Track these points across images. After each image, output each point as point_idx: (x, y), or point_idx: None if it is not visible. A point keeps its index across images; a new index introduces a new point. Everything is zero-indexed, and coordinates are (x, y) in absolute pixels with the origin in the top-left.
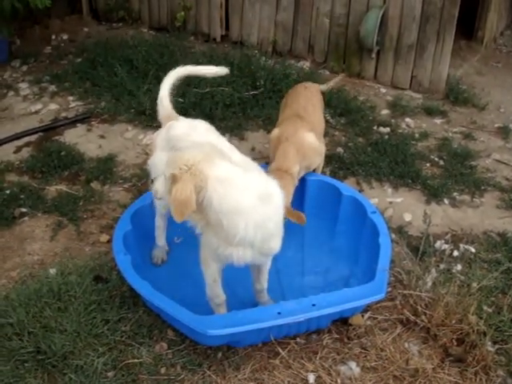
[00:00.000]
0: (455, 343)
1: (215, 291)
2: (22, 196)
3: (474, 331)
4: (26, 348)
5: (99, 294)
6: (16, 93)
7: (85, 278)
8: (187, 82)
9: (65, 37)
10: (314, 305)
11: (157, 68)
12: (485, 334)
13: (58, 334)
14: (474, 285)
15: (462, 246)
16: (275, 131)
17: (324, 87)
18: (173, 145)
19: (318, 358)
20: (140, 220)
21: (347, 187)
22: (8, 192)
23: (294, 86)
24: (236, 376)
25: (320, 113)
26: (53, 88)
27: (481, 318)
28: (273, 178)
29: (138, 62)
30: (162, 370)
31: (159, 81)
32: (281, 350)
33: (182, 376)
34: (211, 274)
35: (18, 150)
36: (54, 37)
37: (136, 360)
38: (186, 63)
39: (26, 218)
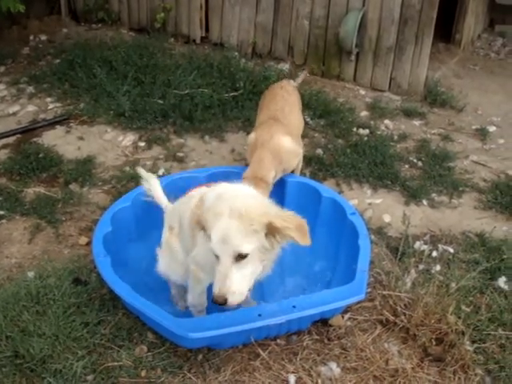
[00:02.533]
0: (434, 343)
1: (200, 301)
2: None
3: (452, 331)
4: (3, 352)
5: (78, 297)
6: None
7: (64, 280)
8: (167, 84)
9: (43, 37)
10: (294, 306)
11: (136, 69)
12: (463, 333)
13: (36, 338)
14: (453, 285)
15: (440, 246)
16: (252, 136)
17: (295, 84)
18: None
19: (298, 359)
20: (120, 222)
21: (327, 189)
22: None
23: (271, 86)
24: (216, 378)
25: (298, 112)
26: (31, 89)
27: (459, 318)
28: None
29: (117, 64)
30: (143, 373)
31: (139, 82)
32: (261, 352)
33: (163, 379)
34: (201, 288)
35: None
36: (32, 37)
37: (116, 363)
38: (165, 64)
39: (3, 221)
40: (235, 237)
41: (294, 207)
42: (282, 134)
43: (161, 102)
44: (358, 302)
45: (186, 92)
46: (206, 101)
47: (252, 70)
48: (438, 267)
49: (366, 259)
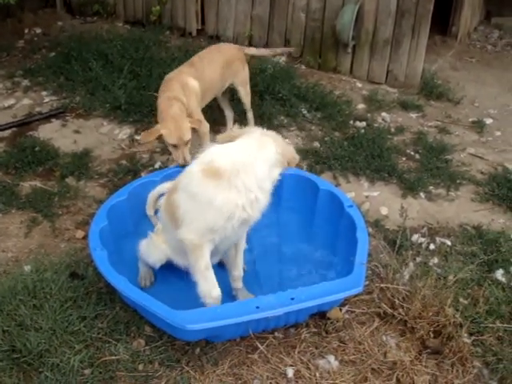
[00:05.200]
0: (432, 335)
1: (211, 281)
2: None
3: (450, 323)
4: (0, 347)
5: (75, 291)
6: None
7: (60, 274)
8: (163, 77)
9: (38, 31)
10: (292, 299)
11: (132, 62)
12: (461, 325)
13: (33, 332)
14: (451, 277)
15: (438, 239)
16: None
17: (254, 51)
18: None
19: (296, 352)
20: (116, 215)
21: (324, 181)
22: None
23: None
24: (214, 371)
25: (217, 70)
26: (26, 83)
27: (457, 310)
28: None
29: (112, 57)
30: (140, 367)
31: (134, 75)
32: (259, 345)
33: (160, 372)
34: (205, 259)
35: None
36: (26, 30)
37: (113, 357)
38: (161, 57)
39: None
40: None
41: (291, 200)
42: (190, 75)
43: (157, 94)
44: (356, 295)
45: None
46: None
47: (248, 62)
48: (436, 260)
49: (364, 252)
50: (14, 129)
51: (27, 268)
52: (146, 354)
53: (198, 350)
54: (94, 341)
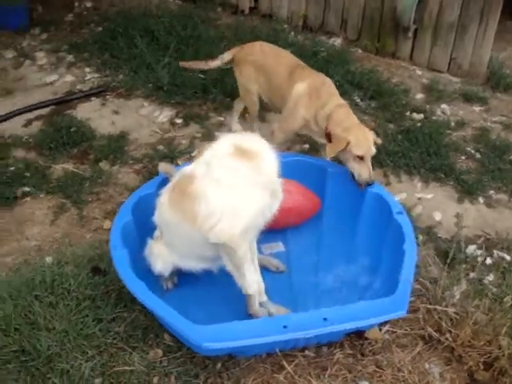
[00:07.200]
0: (482, 367)
1: (255, 276)
2: (26, 174)
3: (504, 355)
4: (9, 346)
5: (95, 289)
6: (32, 62)
7: (82, 269)
8: (210, 57)
9: (88, 4)
10: (325, 319)
11: (178, 40)
12: None
13: (45, 333)
14: (507, 299)
15: (495, 252)
16: (301, 86)
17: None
18: None
19: (327, 376)
20: (143, 209)
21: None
22: (12, 169)
23: (251, 46)
24: None
25: None
26: (70, 58)
27: None
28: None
29: (159, 34)
30: (155, 380)
31: (180, 54)
32: (286, 364)
33: None
34: (247, 251)
35: (28, 123)
36: (77, 4)
37: (127, 367)
38: (209, 36)
39: (28, 199)
40: None
41: (334, 201)
42: None
43: (202, 76)
44: None
45: (230, 66)
46: None
47: (301, 44)
48: (492, 277)
49: (411, 268)
50: (53, 106)
51: (49, 259)
52: (163, 366)
53: (219, 365)
54: (108, 347)
